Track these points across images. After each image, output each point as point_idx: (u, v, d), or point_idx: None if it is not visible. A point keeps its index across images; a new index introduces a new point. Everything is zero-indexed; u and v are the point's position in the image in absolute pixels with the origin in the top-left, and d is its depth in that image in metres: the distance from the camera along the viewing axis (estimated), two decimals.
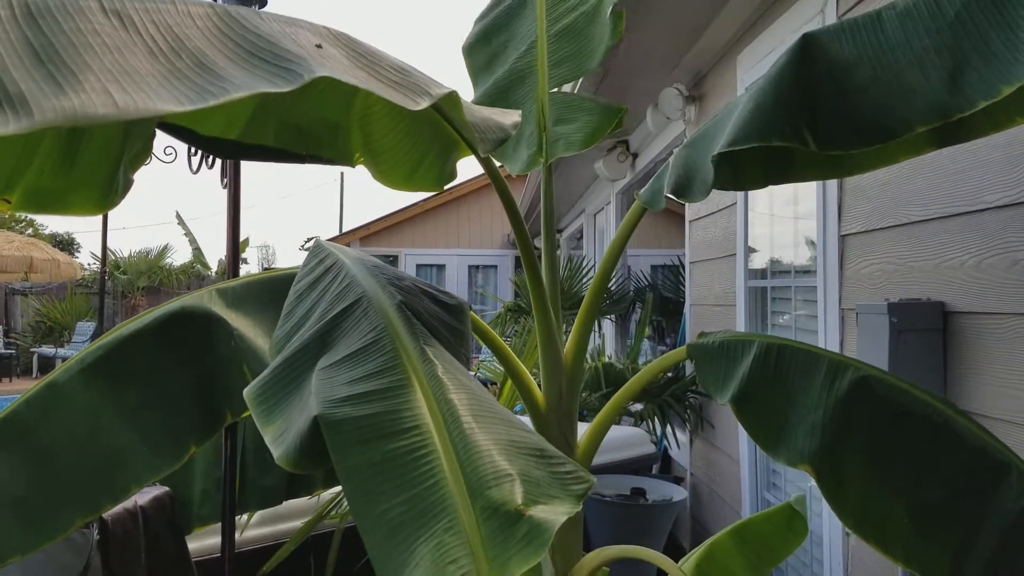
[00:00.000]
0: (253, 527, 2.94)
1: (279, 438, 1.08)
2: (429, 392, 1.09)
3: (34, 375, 15.81)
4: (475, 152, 1.63)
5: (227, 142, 1.66)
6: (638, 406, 5.33)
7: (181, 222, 19.16)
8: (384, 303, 1.27)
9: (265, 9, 2.32)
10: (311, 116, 1.66)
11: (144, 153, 1.40)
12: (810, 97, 1.25)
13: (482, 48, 2.21)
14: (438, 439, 1.02)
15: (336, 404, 1.06)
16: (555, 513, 0.91)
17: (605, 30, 1.91)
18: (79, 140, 1.32)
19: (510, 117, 1.59)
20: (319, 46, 1.12)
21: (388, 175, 1.73)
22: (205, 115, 1.58)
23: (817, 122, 1.23)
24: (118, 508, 2.11)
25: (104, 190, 1.37)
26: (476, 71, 2.19)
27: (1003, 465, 1.39)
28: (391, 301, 1.28)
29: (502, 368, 2.14)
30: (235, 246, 1.97)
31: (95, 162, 1.35)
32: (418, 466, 0.99)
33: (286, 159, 1.70)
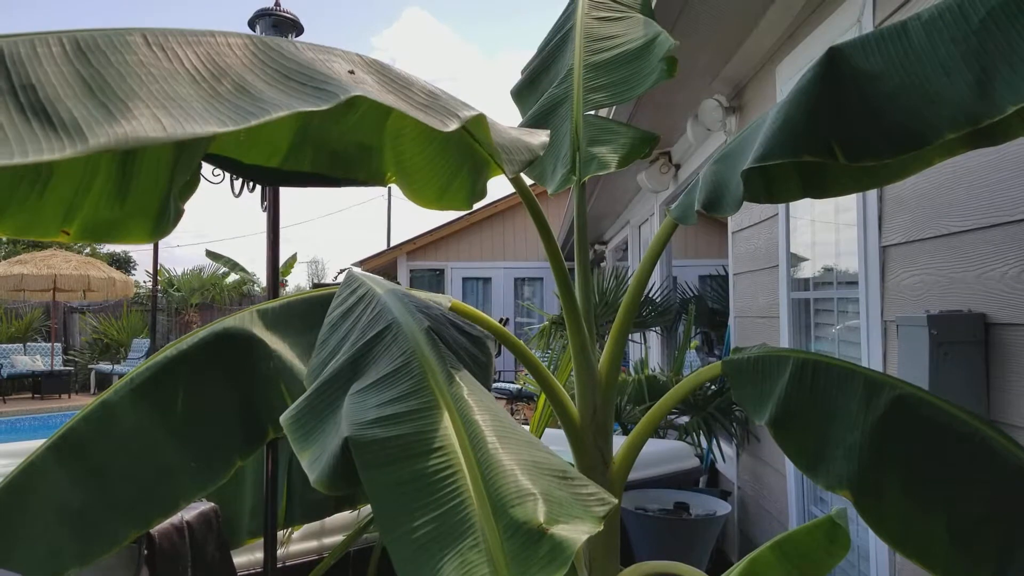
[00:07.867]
0: (298, 541, 2.99)
1: (315, 462, 1.12)
2: (455, 413, 1.11)
3: (92, 391, 16.22)
4: (504, 172, 1.66)
5: (269, 170, 1.72)
6: (684, 419, 5.29)
7: (213, 257, 19.44)
8: (413, 328, 1.30)
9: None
10: (346, 140, 1.71)
11: (193, 184, 1.46)
12: (837, 109, 1.24)
13: (529, 91, 2.31)
14: (463, 459, 1.04)
15: (366, 426, 1.09)
16: (576, 532, 0.93)
17: (653, 68, 1.94)
18: (131, 172, 1.38)
19: (538, 137, 1.62)
20: (352, 72, 1.16)
21: (419, 193, 1.77)
22: (248, 146, 1.65)
23: (846, 134, 1.22)
24: (165, 523, 2.18)
25: (156, 219, 1.43)
26: (525, 111, 2.27)
27: None
28: (419, 326, 1.31)
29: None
30: (275, 268, 2.03)
31: (147, 193, 1.41)
32: (444, 485, 1.01)
33: (323, 183, 1.75)
